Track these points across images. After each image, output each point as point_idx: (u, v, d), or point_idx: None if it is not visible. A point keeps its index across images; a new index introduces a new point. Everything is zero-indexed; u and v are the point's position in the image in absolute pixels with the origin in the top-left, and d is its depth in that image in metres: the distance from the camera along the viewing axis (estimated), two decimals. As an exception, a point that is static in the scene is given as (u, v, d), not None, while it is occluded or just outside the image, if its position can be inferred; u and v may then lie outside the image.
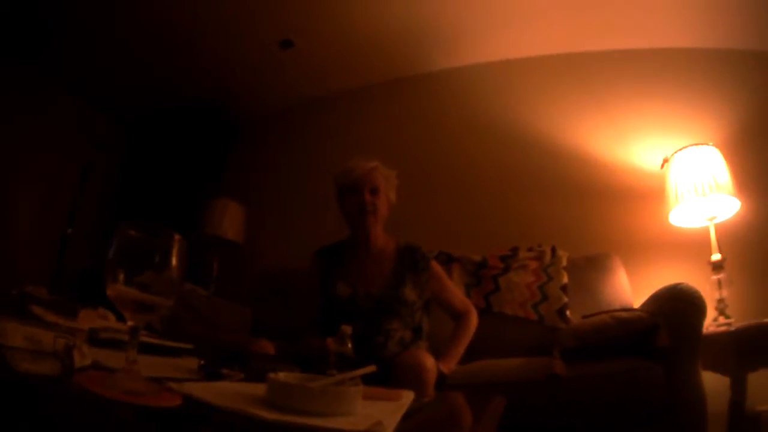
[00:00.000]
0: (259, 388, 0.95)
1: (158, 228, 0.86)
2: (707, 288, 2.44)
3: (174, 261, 0.86)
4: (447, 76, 4.25)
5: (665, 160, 3.05)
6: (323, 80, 4.57)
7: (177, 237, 0.87)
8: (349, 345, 1.68)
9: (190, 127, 5.16)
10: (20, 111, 4.35)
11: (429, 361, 1.92)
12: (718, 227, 2.82)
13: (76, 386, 0.78)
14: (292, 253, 3.22)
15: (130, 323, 0.83)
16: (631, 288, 2.91)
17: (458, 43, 3.98)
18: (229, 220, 4.16)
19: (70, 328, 1.17)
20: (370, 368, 1.07)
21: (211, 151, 5.09)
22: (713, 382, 2.13)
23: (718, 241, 2.78)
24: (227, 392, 0.93)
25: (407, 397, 1.13)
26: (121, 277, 0.82)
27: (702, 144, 2.91)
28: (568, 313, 2.81)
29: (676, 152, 2.97)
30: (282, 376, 0.95)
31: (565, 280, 2.94)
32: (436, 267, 2.47)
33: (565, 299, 2.85)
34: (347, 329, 1.69)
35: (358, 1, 3.66)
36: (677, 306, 2.06)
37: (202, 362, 1.20)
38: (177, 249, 0.87)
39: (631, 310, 2.29)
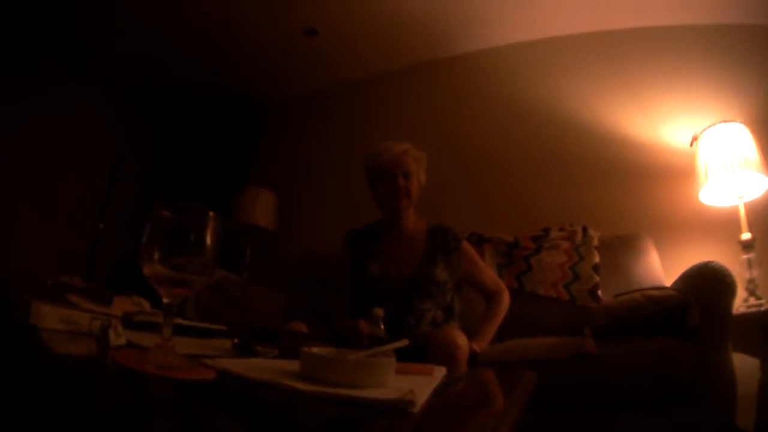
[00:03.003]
0: (292, 364, 0.96)
1: (192, 207, 0.87)
2: (737, 268, 2.40)
3: (209, 239, 0.86)
4: (474, 59, 4.23)
5: (694, 138, 3.01)
6: (349, 66, 4.58)
7: (211, 215, 0.88)
8: (382, 327, 1.70)
9: (219, 116, 5.20)
10: (50, 109, 4.45)
11: (461, 339, 1.93)
12: (747, 206, 2.78)
13: (112, 363, 0.81)
14: (325, 238, 3.25)
15: (165, 300, 0.84)
16: (663, 267, 2.88)
17: (484, 25, 3.94)
18: (261, 208, 4.21)
19: (105, 314, 1.20)
20: (403, 342, 1.07)
21: (240, 139, 5.13)
22: (744, 364, 2.10)
23: (748, 219, 2.74)
24: (261, 367, 0.94)
25: (439, 372, 1.14)
26: (156, 256, 0.83)
27: (731, 121, 2.87)
28: (599, 292, 2.79)
29: (704, 130, 2.93)
30: (315, 349, 0.97)
31: (597, 259, 2.92)
32: (468, 247, 2.47)
33: (597, 279, 2.83)
34: (379, 312, 1.70)
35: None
36: (707, 284, 2.03)
37: (236, 341, 1.22)
38: (212, 227, 0.87)
39: (662, 288, 2.26)
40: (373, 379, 0.87)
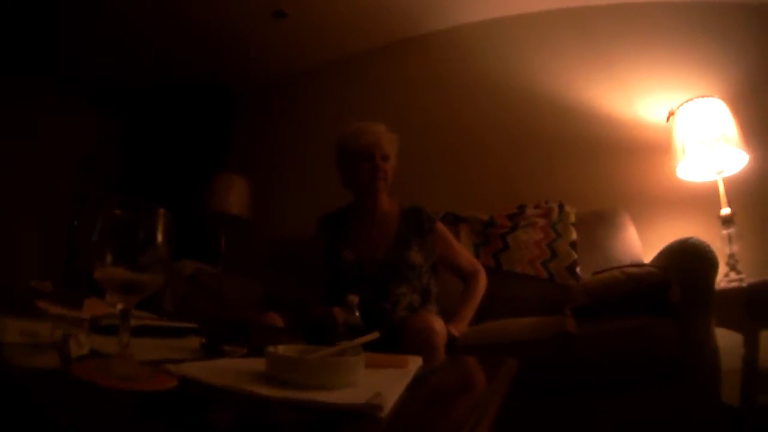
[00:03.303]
0: (260, 363, 0.93)
1: (142, 204, 0.83)
2: (717, 243, 2.38)
3: (160, 237, 0.83)
4: (446, 36, 4.18)
5: (671, 113, 2.99)
6: (320, 48, 4.51)
7: (161, 212, 0.84)
8: (357, 314, 1.67)
9: (190, 105, 5.14)
10: (14, 107, 4.34)
11: (438, 324, 1.89)
12: (726, 181, 2.77)
13: (71, 376, 0.77)
14: (300, 224, 3.19)
15: (119, 306, 0.81)
16: (642, 243, 2.87)
17: (456, 2, 3.90)
18: (234, 195, 4.15)
19: (75, 318, 1.16)
20: (373, 335, 1.04)
21: (212, 126, 5.08)
22: (727, 339, 2.09)
23: (727, 195, 2.73)
24: (226, 369, 0.91)
25: (414, 363, 1.11)
26: (108, 258, 0.78)
27: (708, 96, 2.85)
28: (578, 269, 2.78)
29: (681, 105, 2.91)
30: (281, 349, 0.93)
31: (574, 236, 2.90)
32: (442, 228, 2.44)
33: (575, 256, 2.82)
34: (354, 299, 1.67)
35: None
36: (688, 260, 2.01)
37: (203, 340, 1.18)
38: (162, 224, 0.83)
39: (642, 265, 2.24)
40: (340, 379, 0.83)
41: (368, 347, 1.11)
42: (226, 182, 4.18)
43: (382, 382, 0.83)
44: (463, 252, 2.49)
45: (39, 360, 0.93)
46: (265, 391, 0.75)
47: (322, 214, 2.53)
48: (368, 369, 0.93)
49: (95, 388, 0.72)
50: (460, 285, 2.41)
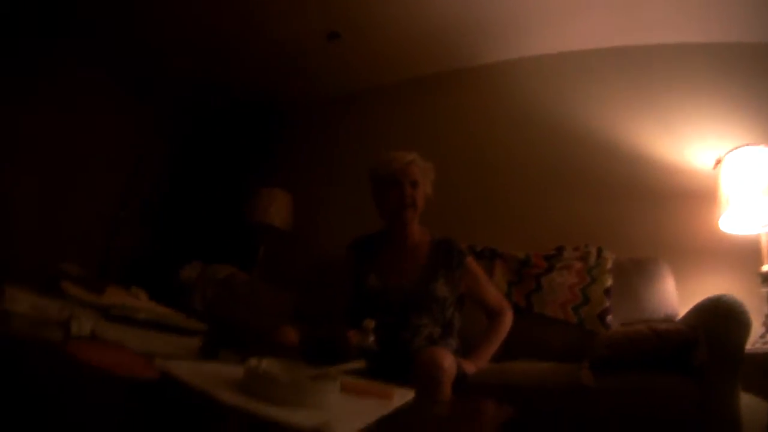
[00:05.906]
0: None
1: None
2: (756, 301, 2.29)
3: None
4: (494, 70, 4.19)
5: (718, 161, 2.85)
6: (370, 72, 4.58)
7: None
8: (372, 339, 1.67)
9: (240, 117, 5.29)
10: (82, 110, 4.54)
11: (447, 361, 1.84)
12: (770, 236, 2.62)
13: (65, 352, 0.83)
14: (340, 241, 3.22)
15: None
16: (678, 295, 2.77)
17: (507, 36, 3.90)
18: (277, 208, 4.26)
19: (89, 302, 1.20)
20: (359, 363, 1.04)
21: (261, 140, 5.24)
22: (756, 405, 1.99)
23: (770, 250, 2.58)
24: (208, 373, 0.93)
25: (401, 396, 1.09)
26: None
27: (757, 144, 2.69)
28: (609, 318, 2.70)
29: (729, 152, 2.77)
30: (264, 363, 0.94)
31: (609, 283, 2.83)
32: (472, 263, 2.40)
33: (607, 303, 2.74)
34: (370, 323, 1.69)
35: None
36: (719, 321, 1.89)
37: (202, 342, 1.21)
38: None
39: (670, 322, 2.16)
40: (309, 400, 0.83)
41: (375, 373, 1.11)
42: (270, 195, 4.31)
43: (352, 410, 0.83)
44: (492, 289, 2.46)
45: (42, 333, 0.97)
46: (226, 397, 0.76)
47: (355, 237, 2.55)
48: (349, 395, 0.93)
49: (81, 366, 0.78)
50: (486, 320, 2.38)
